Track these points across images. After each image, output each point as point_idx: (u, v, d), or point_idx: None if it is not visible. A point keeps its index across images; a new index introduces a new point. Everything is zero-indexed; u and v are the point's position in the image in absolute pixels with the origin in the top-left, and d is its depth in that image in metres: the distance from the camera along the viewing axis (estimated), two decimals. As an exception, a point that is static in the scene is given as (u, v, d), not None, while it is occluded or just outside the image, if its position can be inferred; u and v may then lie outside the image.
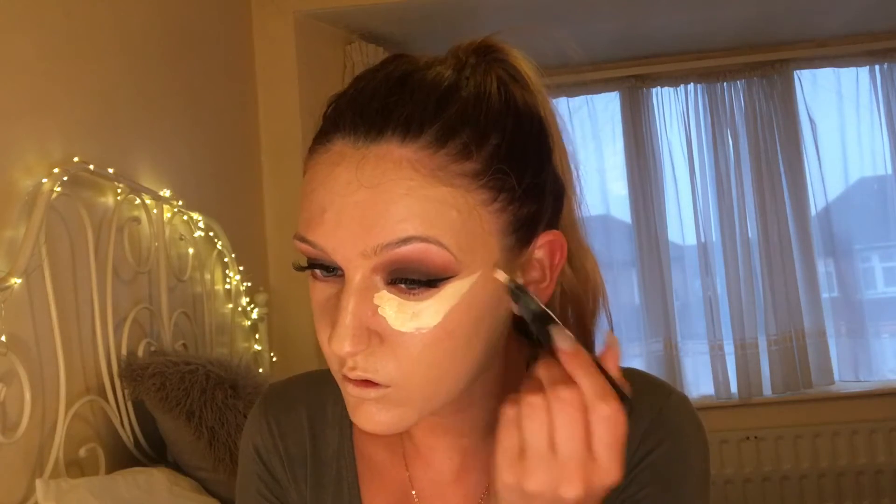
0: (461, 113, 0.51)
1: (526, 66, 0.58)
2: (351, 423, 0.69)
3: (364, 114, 0.51)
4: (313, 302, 0.55)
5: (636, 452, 0.61)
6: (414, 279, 0.50)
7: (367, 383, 0.53)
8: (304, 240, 0.53)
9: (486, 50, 0.58)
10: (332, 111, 0.54)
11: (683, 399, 0.64)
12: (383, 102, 0.51)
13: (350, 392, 0.54)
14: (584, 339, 0.67)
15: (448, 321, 0.51)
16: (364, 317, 0.51)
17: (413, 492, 0.66)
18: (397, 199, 0.49)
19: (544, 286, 0.58)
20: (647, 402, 0.63)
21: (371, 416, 0.54)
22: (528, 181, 0.54)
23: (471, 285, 0.52)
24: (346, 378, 0.54)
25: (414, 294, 0.51)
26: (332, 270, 0.53)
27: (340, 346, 0.50)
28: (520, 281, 0.54)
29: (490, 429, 0.62)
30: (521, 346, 0.65)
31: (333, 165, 0.51)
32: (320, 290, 0.55)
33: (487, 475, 0.61)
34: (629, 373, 0.65)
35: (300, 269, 0.55)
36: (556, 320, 0.51)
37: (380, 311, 0.51)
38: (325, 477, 0.68)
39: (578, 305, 0.64)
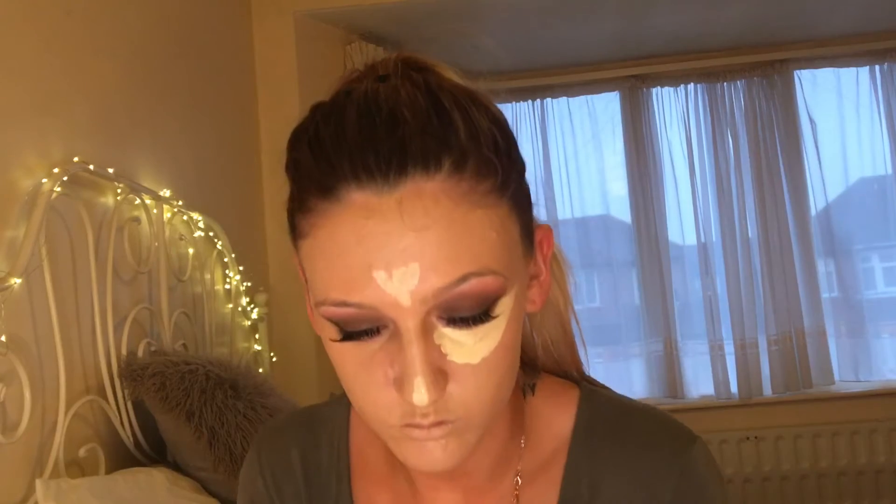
0: (465, 130, 0.49)
1: (453, 72, 0.57)
2: (348, 468, 0.67)
3: (376, 155, 0.47)
4: (345, 364, 0.52)
5: None
6: (471, 314, 0.50)
7: (437, 423, 0.51)
8: (345, 304, 0.49)
9: (413, 66, 0.55)
10: (315, 160, 0.50)
11: (703, 450, 0.62)
12: (392, 140, 0.48)
13: (415, 437, 0.52)
14: (562, 328, 0.66)
15: (505, 337, 0.51)
16: (433, 360, 0.49)
17: None
18: (444, 237, 0.48)
19: (542, 279, 0.58)
20: (668, 460, 0.60)
21: (436, 456, 0.52)
22: (524, 178, 0.54)
23: (515, 297, 0.52)
24: (409, 425, 0.51)
25: (473, 324, 0.50)
26: (368, 332, 0.51)
27: (422, 399, 0.48)
28: None
29: (492, 470, 0.61)
30: (518, 376, 0.62)
31: (363, 219, 0.48)
32: (355, 351, 0.51)
33: None
34: (644, 415, 0.63)
35: (340, 340, 0.51)
36: None
37: (442, 348, 0.50)
38: None
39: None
